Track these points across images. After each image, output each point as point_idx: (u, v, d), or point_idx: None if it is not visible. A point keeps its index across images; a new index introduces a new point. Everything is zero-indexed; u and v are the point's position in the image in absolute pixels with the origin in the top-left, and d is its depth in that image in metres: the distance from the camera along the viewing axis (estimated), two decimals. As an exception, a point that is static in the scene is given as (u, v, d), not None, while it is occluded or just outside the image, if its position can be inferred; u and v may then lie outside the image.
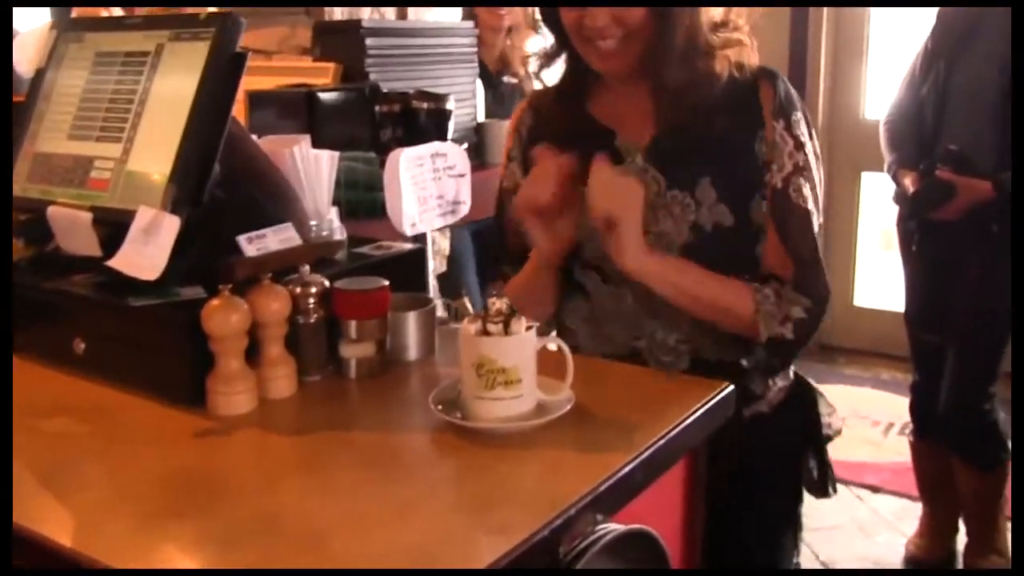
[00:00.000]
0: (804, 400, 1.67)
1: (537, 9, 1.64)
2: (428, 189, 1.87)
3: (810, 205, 1.50)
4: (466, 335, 1.24)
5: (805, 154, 1.50)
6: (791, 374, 1.67)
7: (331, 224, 1.64)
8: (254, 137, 1.70)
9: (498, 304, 1.24)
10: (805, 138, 1.51)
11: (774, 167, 1.49)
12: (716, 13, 1.51)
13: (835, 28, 4.69)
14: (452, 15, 3.75)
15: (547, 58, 1.65)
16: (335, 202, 1.68)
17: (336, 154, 1.66)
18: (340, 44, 2.98)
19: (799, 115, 1.52)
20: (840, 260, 4.85)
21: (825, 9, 4.64)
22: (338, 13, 3.24)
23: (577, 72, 1.62)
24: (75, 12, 2.74)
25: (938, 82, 2.85)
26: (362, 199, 2.19)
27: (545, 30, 1.63)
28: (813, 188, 1.51)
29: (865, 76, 4.76)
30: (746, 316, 1.48)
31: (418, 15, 3.45)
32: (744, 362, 1.55)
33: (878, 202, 4.65)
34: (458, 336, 1.27)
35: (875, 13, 4.65)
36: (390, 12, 3.39)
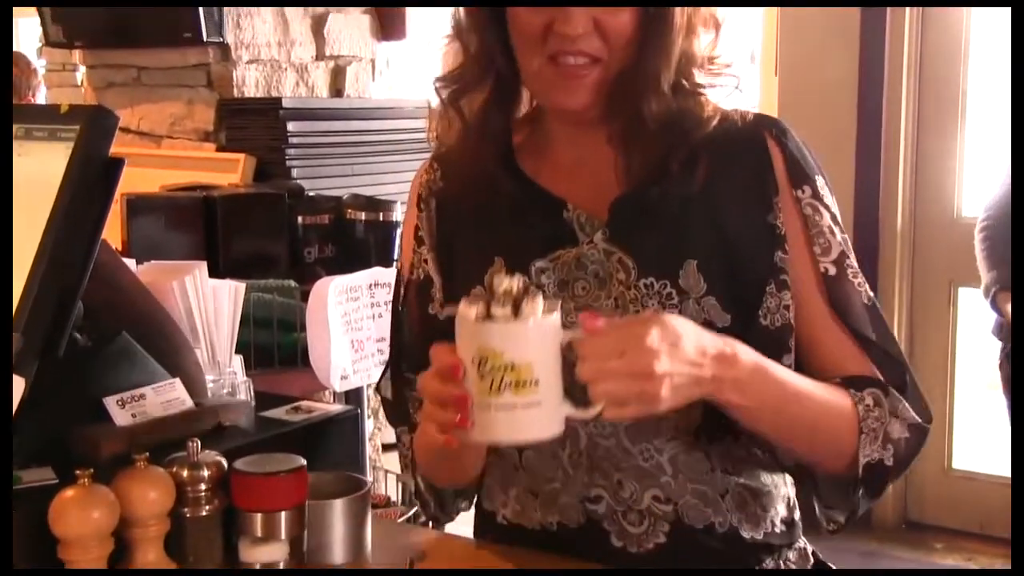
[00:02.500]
0: None
1: (460, 12, 1.58)
2: (365, 330, 1.91)
3: (871, 292, 1.54)
4: (464, 320, 1.24)
5: (843, 230, 1.55)
6: (808, 552, 1.63)
7: (233, 379, 1.67)
8: (131, 263, 1.74)
9: (506, 282, 1.23)
10: (836, 209, 1.56)
11: (815, 249, 1.52)
12: (705, 46, 1.54)
13: (918, 90, 4.71)
14: (402, 91, 3.84)
15: (465, 83, 1.59)
16: (239, 348, 1.71)
17: (242, 286, 1.71)
18: (253, 129, 3.06)
19: (823, 179, 1.55)
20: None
21: (905, 67, 4.63)
22: (251, 85, 3.32)
23: (505, 111, 1.60)
24: None
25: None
26: (277, 343, 2.23)
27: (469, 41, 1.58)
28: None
29: (961, 157, 4.76)
30: (850, 438, 1.46)
31: (359, 91, 3.54)
32: (747, 534, 1.53)
33: (981, 327, 4.67)
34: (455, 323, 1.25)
35: (973, 69, 4.62)
36: (321, 84, 3.48)
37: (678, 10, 1.46)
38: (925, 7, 4.55)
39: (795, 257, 1.51)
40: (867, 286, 1.53)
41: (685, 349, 1.29)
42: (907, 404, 1.49)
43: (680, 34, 1.47)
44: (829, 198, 1.54)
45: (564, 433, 1.46)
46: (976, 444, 4.94)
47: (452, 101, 1.59)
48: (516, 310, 1.22)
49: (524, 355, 1.21)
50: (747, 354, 1.37)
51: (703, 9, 1.51)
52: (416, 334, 1.64)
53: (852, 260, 1.53)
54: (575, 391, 1.27)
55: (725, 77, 1.55)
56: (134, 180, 2.78)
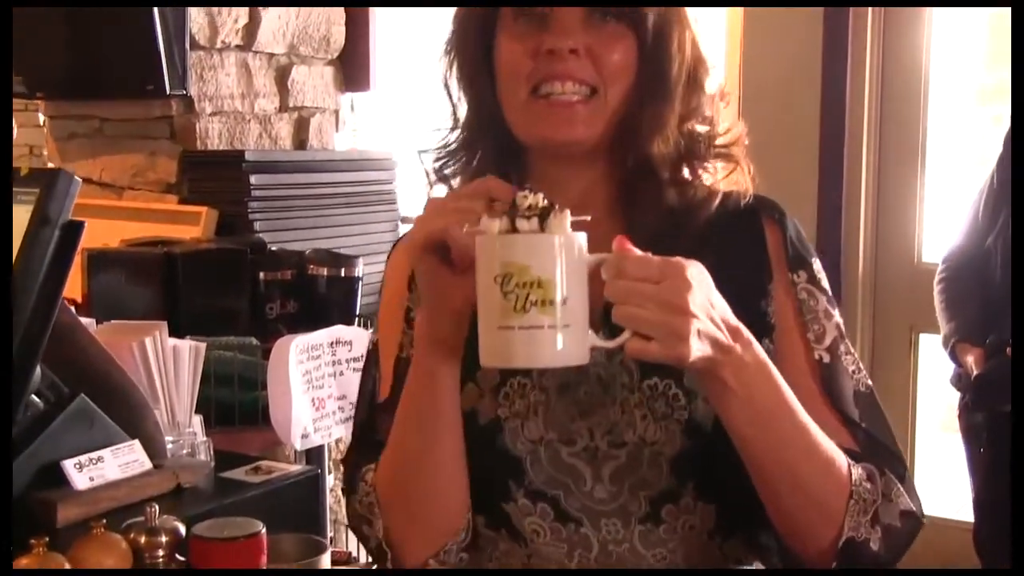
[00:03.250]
0: None
1: (450, 70, 1.48)
2: (326, 388, 1.91)
3: (869, 380, 1.48)
4: (486, 235, 1.17)
5: (839, 314, 1.49)
6: None
7: (193, 439, 1.66)
8: (91, 323, 1.73)
9: (531, 197, 1.16)
10: (830, 292, 1.50)
11: (809, 336, 1.46)
12: (718, 120, 1.48)
13: (879, 136, 4.73)
14: (366, 143, 3.84)
15: (455, 150, 1.49)
16: (200, 405, 1.70)
17: (202, 346, 1.70)
18: (216, 181, 3.05)
19: (818, 262, 1.51)
20: (892, 453, 4.85)
21: (866, 113, 4.65)
22: (214, 137, 3.31)
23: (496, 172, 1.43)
24: None
25: (1008, 228, 2.90)
26: (238, 400, 2.21)
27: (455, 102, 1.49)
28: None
29: (921, 204, 4.77)
30: (840, 494, 1.34)
31: (323, 143, 3.54)
32: None
33: (940, 373, 4.68)
34: (475, 244, 1.18)
35: (934, 115, 4.66)
36: (285, 135, 3.48)
37: (674, 47, 1.40)
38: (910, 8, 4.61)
39: (788, 344, 1.44)
40: (864, 374, 1.47)
41: (716, 303, 1.22)
42: (902, 489, 1.39)
43: (680, 80, 1.42)
44: (824, 280, 1.49)
45: (573, 540, 1.43)
46: (935, 489, 4.95)
47: (440, 172, 1.50)
48: (542, 222, 1.16)
49: (552, 271, 1.14)
50: (758, 347, 1.28)
51: (700, 47, 1.45)
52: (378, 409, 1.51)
53: (847, 346, 1.47)
54: (598, 321, 1.21)
55: (737, 155, 1.49)
56: (95, 232, 2.76)
